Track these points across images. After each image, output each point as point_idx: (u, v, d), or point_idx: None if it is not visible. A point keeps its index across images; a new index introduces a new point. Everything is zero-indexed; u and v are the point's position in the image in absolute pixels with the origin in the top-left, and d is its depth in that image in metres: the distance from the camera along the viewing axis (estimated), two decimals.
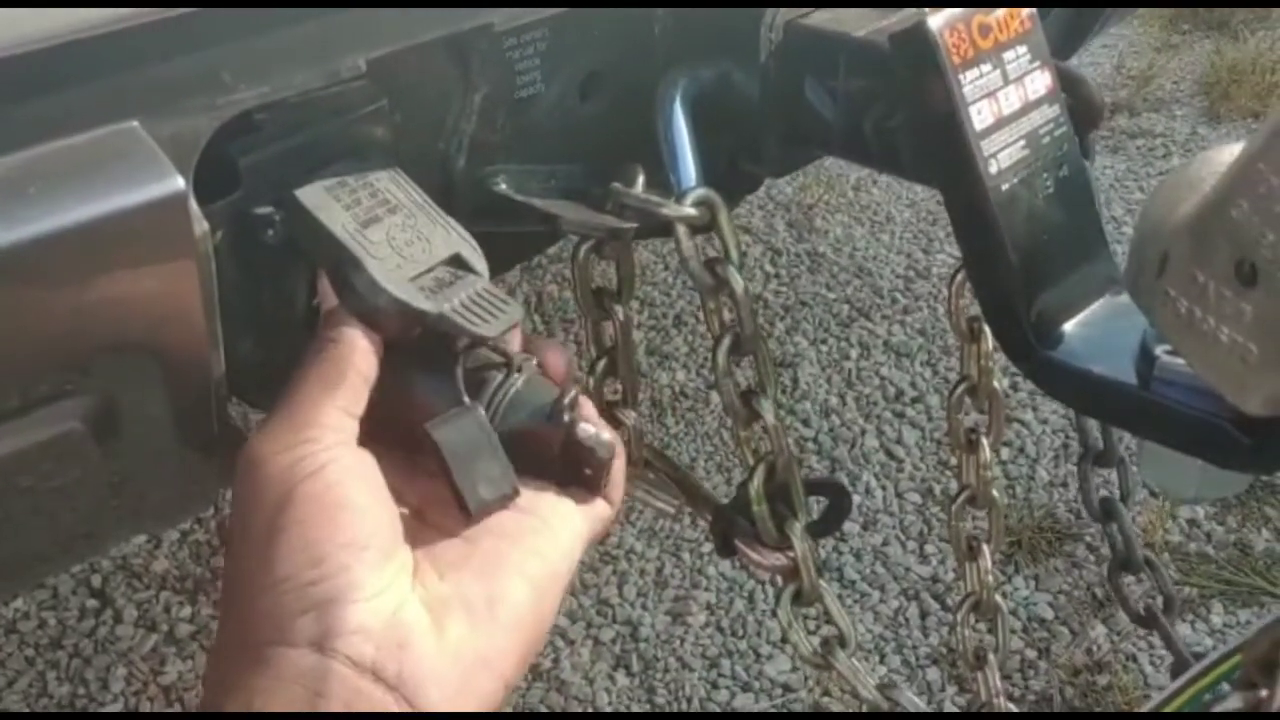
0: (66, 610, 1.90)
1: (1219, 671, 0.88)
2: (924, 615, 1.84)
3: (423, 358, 0.63)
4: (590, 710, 1.73)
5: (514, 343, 0.66)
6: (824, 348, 2.38)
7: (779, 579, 0.90)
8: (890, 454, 2.13)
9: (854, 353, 2.36)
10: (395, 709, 0.51)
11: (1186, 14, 3.59)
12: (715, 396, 2.23)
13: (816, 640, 0.91)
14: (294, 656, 0.51)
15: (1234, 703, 0.68)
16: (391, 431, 0.60)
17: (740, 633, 1.84)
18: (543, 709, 1.73)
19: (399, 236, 0.64)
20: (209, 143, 0.58)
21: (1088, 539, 1.93)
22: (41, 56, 0.50)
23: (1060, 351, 0.78)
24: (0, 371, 0.53)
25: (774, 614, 1.82)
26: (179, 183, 0.51)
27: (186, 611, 1.89)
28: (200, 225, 0.54)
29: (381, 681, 0.51)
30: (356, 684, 0.51)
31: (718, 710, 1.73)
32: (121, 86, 0.53)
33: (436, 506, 0.60)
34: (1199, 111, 3.12)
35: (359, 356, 0.59)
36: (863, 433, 2.17)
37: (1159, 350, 0.73)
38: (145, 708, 1.75)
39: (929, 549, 1.95)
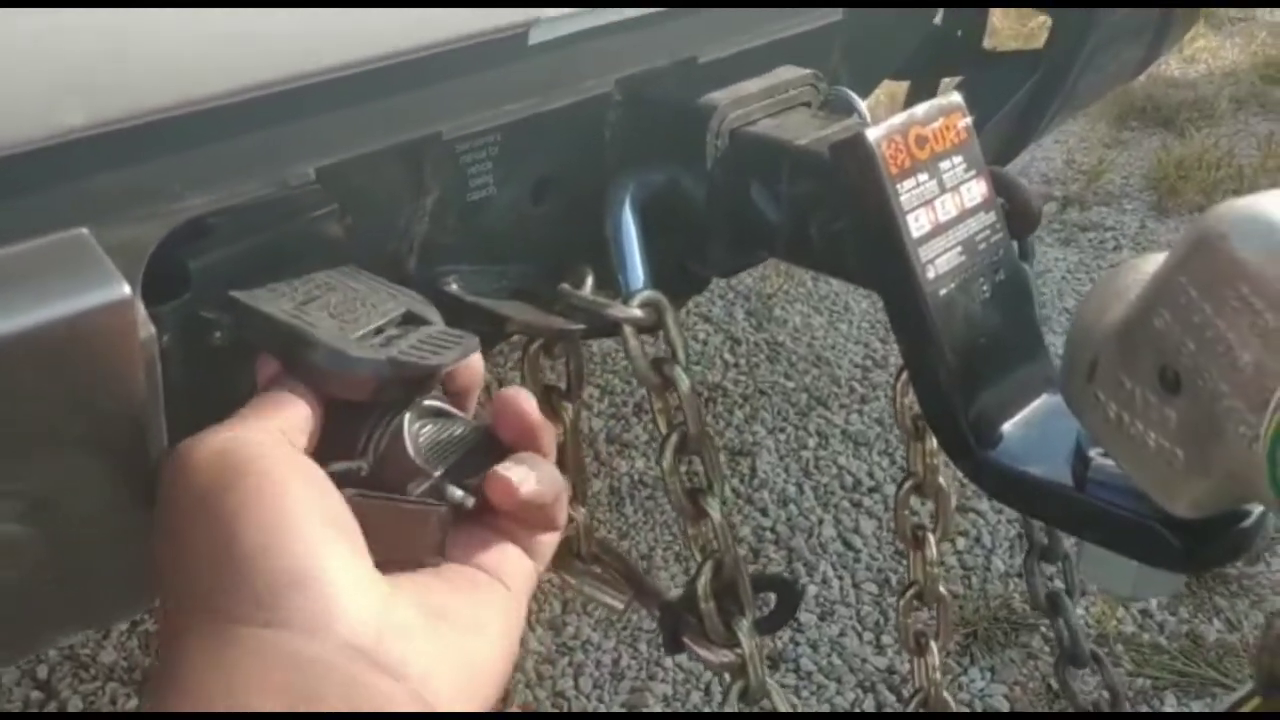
0: (10, 702, 1.85)
1: None
2: (880, 707, 1.83)
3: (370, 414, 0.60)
4: None
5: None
6: (782, 436, 2.39)
7: (727, 675, 0.90)
8: (848, 544, 2.13)
9: (812, 442, 2.38)
10: (404, 700, 0.46)
11: (1135, 111, 3.70)
12: None
13: None
14: (280, 641, 0.45)
15: None
16: None
17: None
18: None
19: (340, 305, 0.64)
20: (161, 245, 0.60)
21: (1043, 630, 1.93)
22: None
23: (999, 452, 0.80)
24: None
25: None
26: (125, 290, 0.52)
27: (134, 704, 1.85)
28: (147, 329, 0.55)
29: (385, 671, 0.46)
30: (353, 672, 0.46)
31: None
32: (71, 195, 0.54)
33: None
34: (1148, 205, 3.20)
35: (297, 402, 0.56)
36: (820, 522, 2.18)
37: (1093, 452, 0.74)
38: None
39: (885, 640, 1.94)
